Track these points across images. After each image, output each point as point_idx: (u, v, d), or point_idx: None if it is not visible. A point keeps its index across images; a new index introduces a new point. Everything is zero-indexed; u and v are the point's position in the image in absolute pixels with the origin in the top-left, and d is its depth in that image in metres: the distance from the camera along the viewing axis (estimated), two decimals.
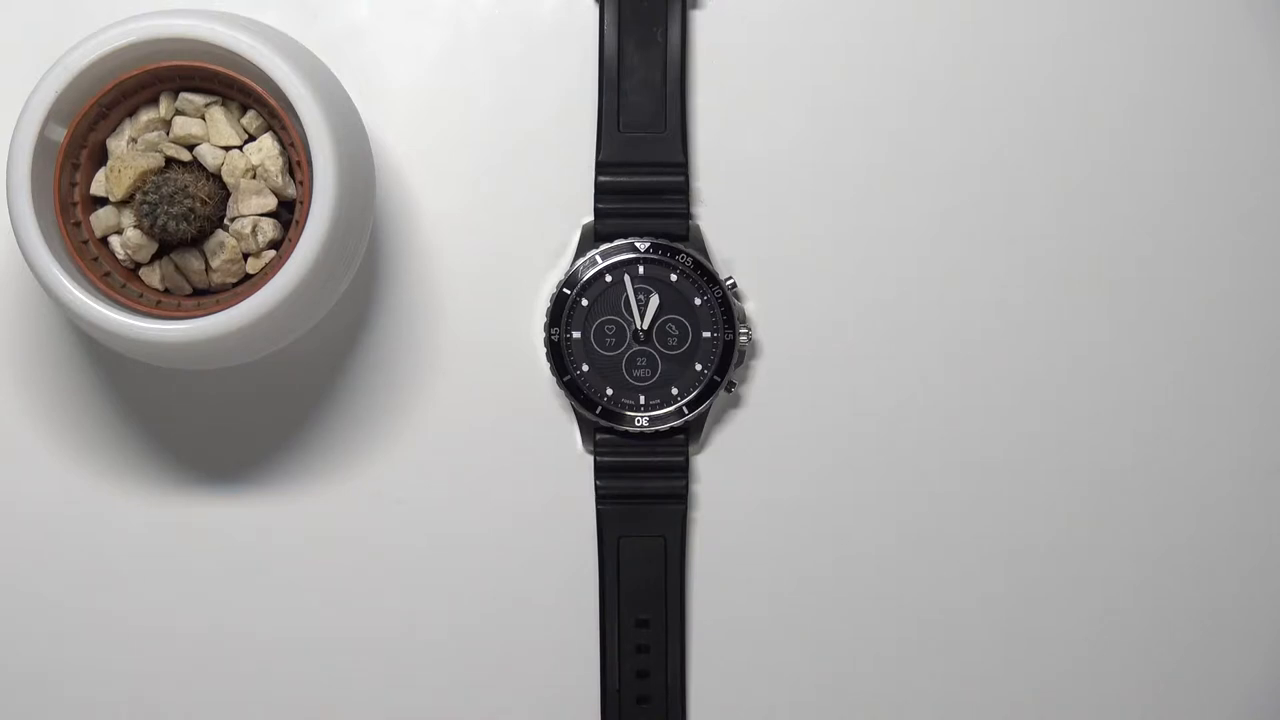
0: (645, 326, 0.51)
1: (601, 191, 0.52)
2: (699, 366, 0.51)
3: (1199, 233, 0.53)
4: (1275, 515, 0.53)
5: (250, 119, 0.48)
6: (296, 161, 0.47)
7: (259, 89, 0.47)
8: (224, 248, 0.48)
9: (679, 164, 0.52)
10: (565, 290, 0.51)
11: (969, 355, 0.53)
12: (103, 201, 0.48)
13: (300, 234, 0.46)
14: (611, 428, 0.52)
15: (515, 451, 0.53)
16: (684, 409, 0.51)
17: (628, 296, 0.51)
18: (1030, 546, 0.53)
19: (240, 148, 0.48)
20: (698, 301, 0.51)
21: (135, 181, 0.47)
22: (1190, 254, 0.53)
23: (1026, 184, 0.53)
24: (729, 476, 0.53)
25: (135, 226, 0.47)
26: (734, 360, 0.51)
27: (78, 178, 0.48)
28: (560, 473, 0.52)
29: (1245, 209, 0.53)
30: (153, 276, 0.48)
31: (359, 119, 0.49)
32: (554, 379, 0.51)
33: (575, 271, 0.51)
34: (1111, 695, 0.53)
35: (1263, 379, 0.53)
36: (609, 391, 0.51)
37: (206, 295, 0.48)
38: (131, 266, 0.48)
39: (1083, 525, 0.53)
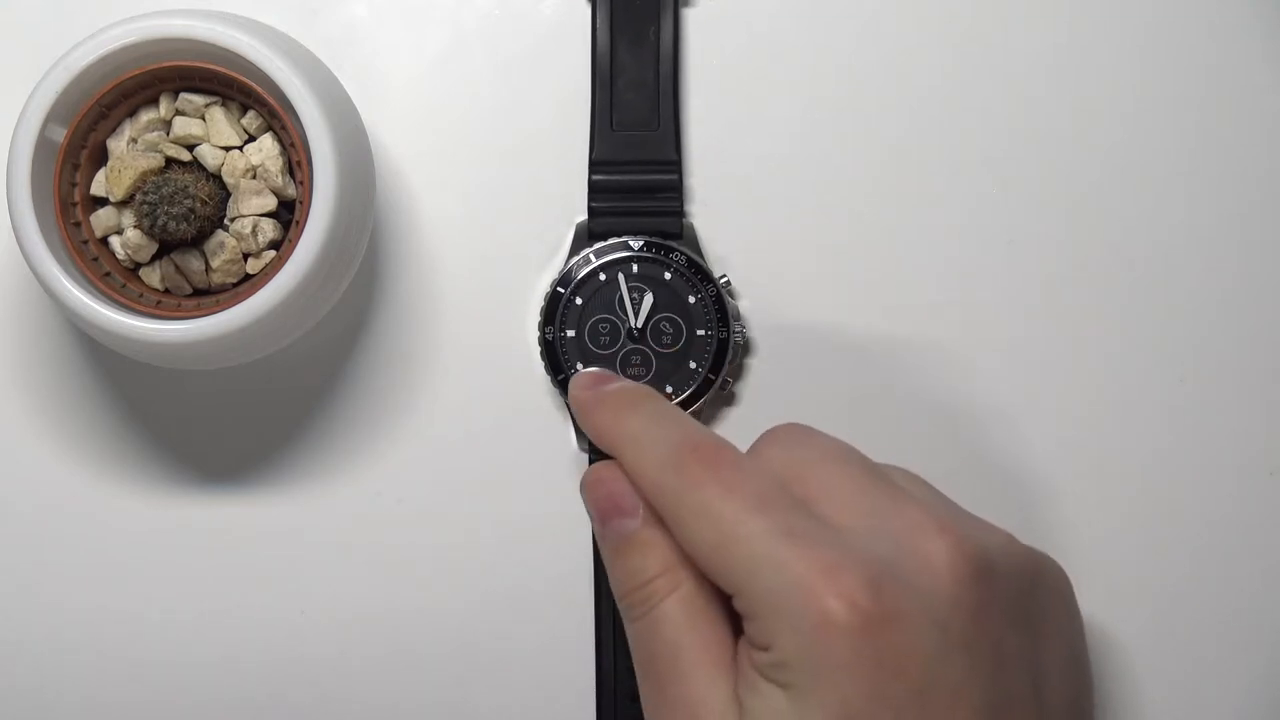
0: (639, 325, 0.51)
1: (595, 190, 0.52)
2: (693, 365, 0.51)
3: (1200, 233, 0.53)
4: (1275, 515, 0.53)
5: (250, 119, 0.48)
6: (296, 161, 0.47)
7: (259, 89, 0.47)
8: (224, 248, 0.48)
9: (672, 162, 0.52)
10: (559, 289, 0.51)
11: (965, 353, 0.53)
12: (103, 201, 0.48)
13: (300, 234, 0.46)
14: None
15: (511, 450, 0.53)
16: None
17: (621, 295, 0.51)
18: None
19: (240, 148, 0.48)
20: (691, 300, 0.51)
21: (135, 182, 0.47)
22: (1190, 254, 0.53)
23: (1023, 185, 0.53)
24: None
25: (135, 226, 0.47)
26: (728, 358, 0.51)
27: (78, 178, 0.47)
28: (556, 471, 0.52)
29: (1247, 208, 0.53)
30: (153, 276, 0.48)
31: (359, 119, 0.49)
32: (549, 378, 0.51)
33: (569, 270, 0.51)
34: (1112, 696, 0.53)
35: (1263, 378, 0.53)
36: None
37: (206, 295, 0.48)
38: (131, 266, 0.48)
39: (1083, 523, 0.53)
